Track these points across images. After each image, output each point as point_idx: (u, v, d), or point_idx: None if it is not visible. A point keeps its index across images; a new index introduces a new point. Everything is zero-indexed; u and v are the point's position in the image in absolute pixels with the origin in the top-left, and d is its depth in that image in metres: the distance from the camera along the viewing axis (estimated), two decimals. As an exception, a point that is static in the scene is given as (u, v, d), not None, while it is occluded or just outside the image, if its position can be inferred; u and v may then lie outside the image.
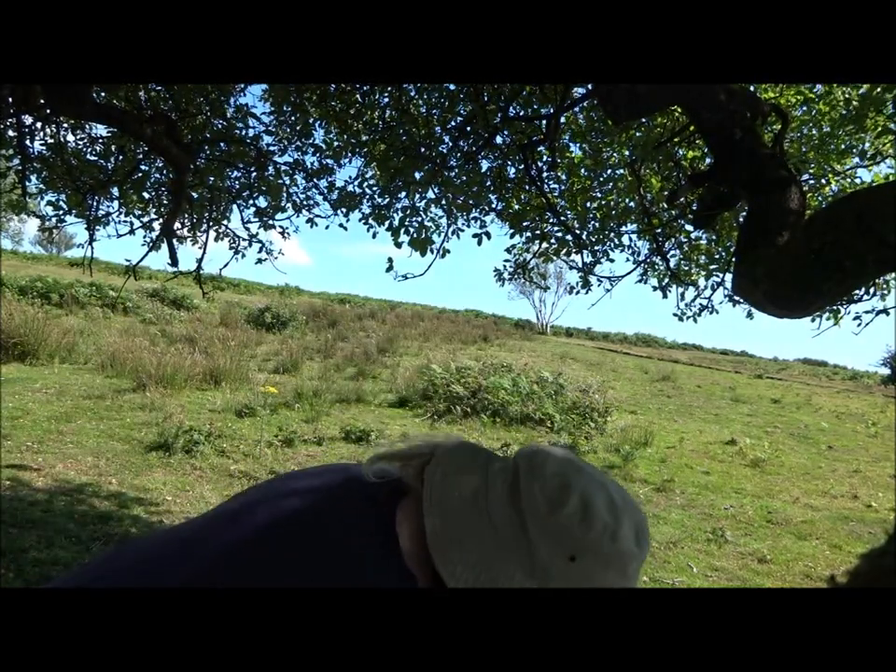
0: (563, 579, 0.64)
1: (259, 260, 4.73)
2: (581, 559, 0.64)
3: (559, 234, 4.21)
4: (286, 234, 4.65)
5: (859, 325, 3.54)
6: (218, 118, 4.19)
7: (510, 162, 4.07)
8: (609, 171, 4.15)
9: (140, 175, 4.38)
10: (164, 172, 4.44)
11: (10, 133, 3.81)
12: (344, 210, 4.15)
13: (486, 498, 0.68)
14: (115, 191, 4.54)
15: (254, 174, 4.37)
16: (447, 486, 0.70)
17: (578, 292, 4.42)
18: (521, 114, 3.72)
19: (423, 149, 3.78)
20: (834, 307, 3.64)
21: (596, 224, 4.27)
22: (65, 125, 4.14)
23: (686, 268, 4.42)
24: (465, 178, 3.81)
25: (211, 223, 4.70)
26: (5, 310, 9.11)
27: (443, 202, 4.00)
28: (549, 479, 0.68)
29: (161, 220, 4.53)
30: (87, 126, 4.23)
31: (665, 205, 3.90)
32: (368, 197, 4.09)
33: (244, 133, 4.27)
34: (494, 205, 4.17)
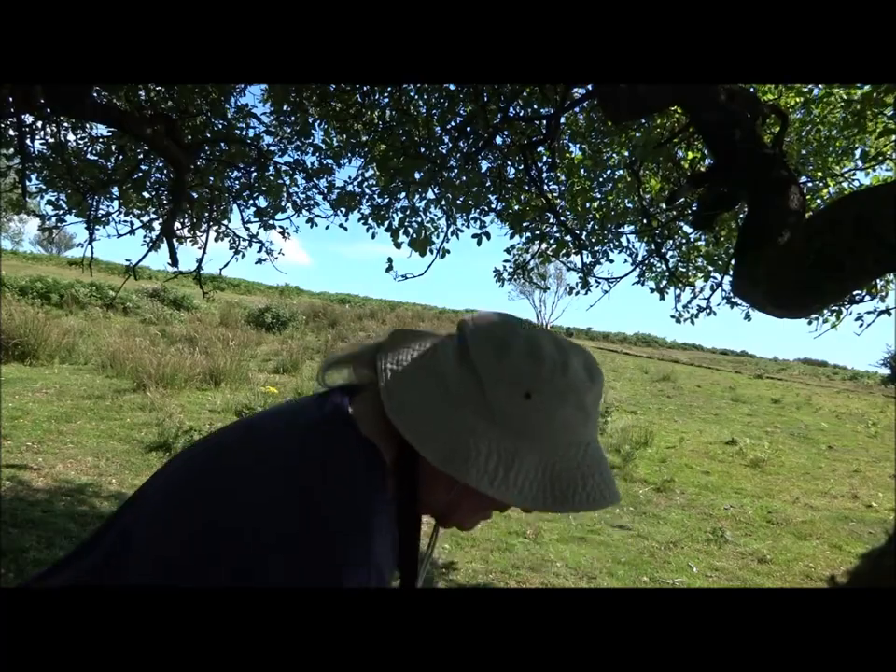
0: (522, 418, 0.65)
1: (259, 260, 4.73)
2: (536, 395, 0.66)
3: (559, 235, 4.21)
4: (286, 234, 4.65)
5: (860, 325, 3.54)
6: (219, 118, 4.19)
7: (509, 163, 4.07)
8: (608, 171, 4.15)
9: (140, 174, 4.38)
10: (164, 172, 4.44)
11: (11, 132, 3.81)
12: (344, 210, 4.15)
13: (437, 359, 0.70)
14: (115, 191, 4.54)
15: (254, 174, 4.37)
16: (398, 359, 0.71)
17: (577, 293, 4.42)
18: (521, 114, 3.72)
19: (423, 150, 3.78)
20: (835, 307, 3.65)
21: (596, 225, 4.27)
22: (65, 125, 4.14)
23: (684, 269, 4.42)
24: (465, 179, 3.81)
25: (211, 223, 4.70)
26: (5, 310, 9.11)
27: (443, 202, 4.01)
28: (494, 328, 0.71)
29: (160, 220, 4.53)
30: (87, 126, 4.23)
31: (665, 206, 3.90)
32: (367, 197, 4.09)
33: (244, 133, 4.28)
34: (493, 206, 4.17)
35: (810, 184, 3.72)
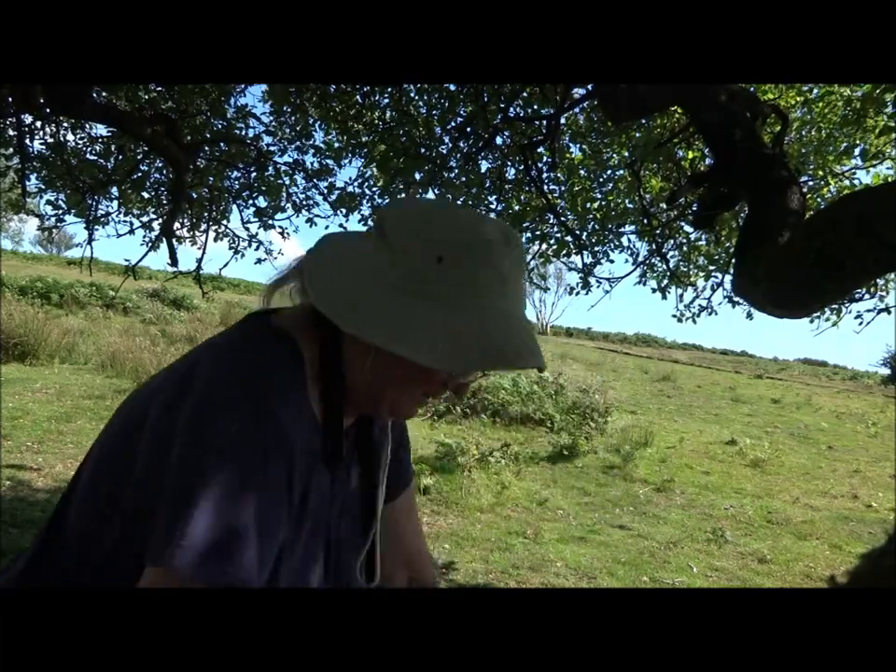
0: (441, 282, 0.66)
1: (259, 260, 4.73)
2: (449, 257, 0.66)
3: (559, 235, 4.21)
4: (285, 234, 4.65)
5: (860, 324, 3.54)
6: (218, 118, 4.19)
7: (510, 163, 4.07)
8: (608, 172, 4.15)
9: (140, 174, 4.38)
10: (164, 172, 4.44)
11: (10, 132, 3.81)
12: (344, 210, 4.15)
13: (355, 244, 0.73)
14: (114, 191, 4.55)
15: (254, 174, 4.37)
16: (323, 255, 0.74)
17: (577, 293, 4.42)
18: (521, 114, 3.72)
19: (423, 150, 3.78)
20: (835, 307, 3.65)
21: (596, 225, 4.27)
22: (65, 125, 4.14)
23: (685, 269, 4.42)
24: (465, 179, 3.81)
25: (211, 223, 4.70)
26: (5, 310, 9.11)
27: (443, 202, 4.00)
28: (406, 205, 0.76)
29: (160, 220, 4.53)
30: (87, 126, 4.23)
31: (665, 206, 3.90)
32: (368, 198, 4.09)
33: (244, 133, 4.28)
34: (494, 206, 4.17)
35: (811, 182, 3.72)
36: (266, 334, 0.71)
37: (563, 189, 4.28)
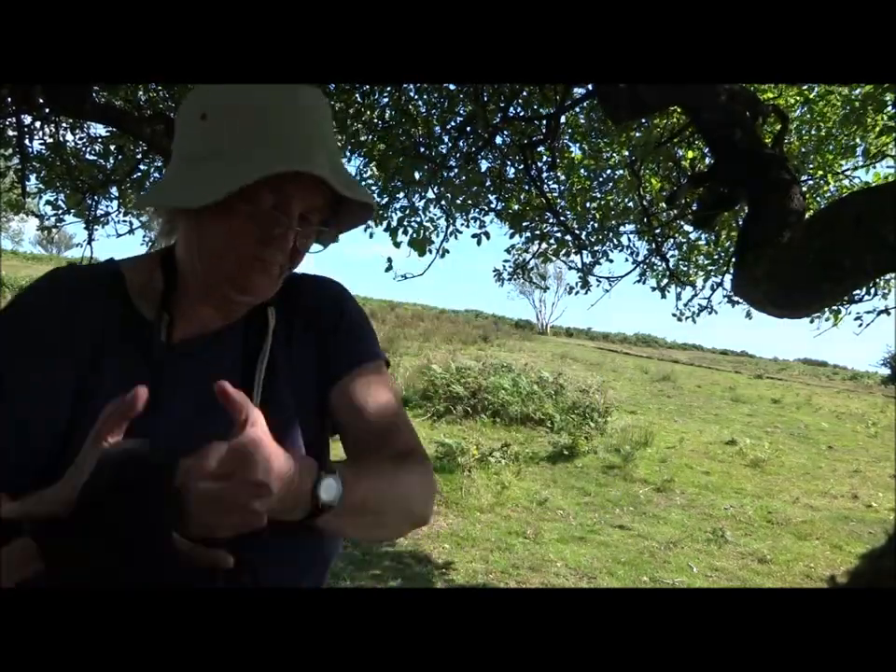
0: (201, 134, 0.71)
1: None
2: (211, 114, 0.70)
3: (559, 234, 4.22)
4: (285, 234, 4.64)
5: (860, 325, 3.54)
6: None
7: (509, 162, 4.07)
8: (608, 171, 4.15)
9: (139, 174, 4.38)
10: (163, 171, 4.43)
11: (10, 132, 3.81)
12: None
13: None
14: (114, 191, 4.54)
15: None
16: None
17: (577, 292, 4.42)
18: (521, 114, 3.72)
19: (422, 149, 3.78)
20: (835, 307, 3.65)
21: (596, 224, 4.27)
22: (65, 125, 4.14)
23: (685, 268, 4.43)
24: (464, 178, 3.81)
25: (210, 223, 4.69)
26: (4, 310, 9.09)
27: (443, 202, 4.00)
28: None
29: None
30: (86, 126, 4.23)
31: (665, 206, 3.90)
32: (368, 197, 4.08)
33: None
34: (493, 205, 4.17)
35: (811, 182, 3.73)
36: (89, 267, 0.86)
37: (563, 188, 4.28)
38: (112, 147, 4.33)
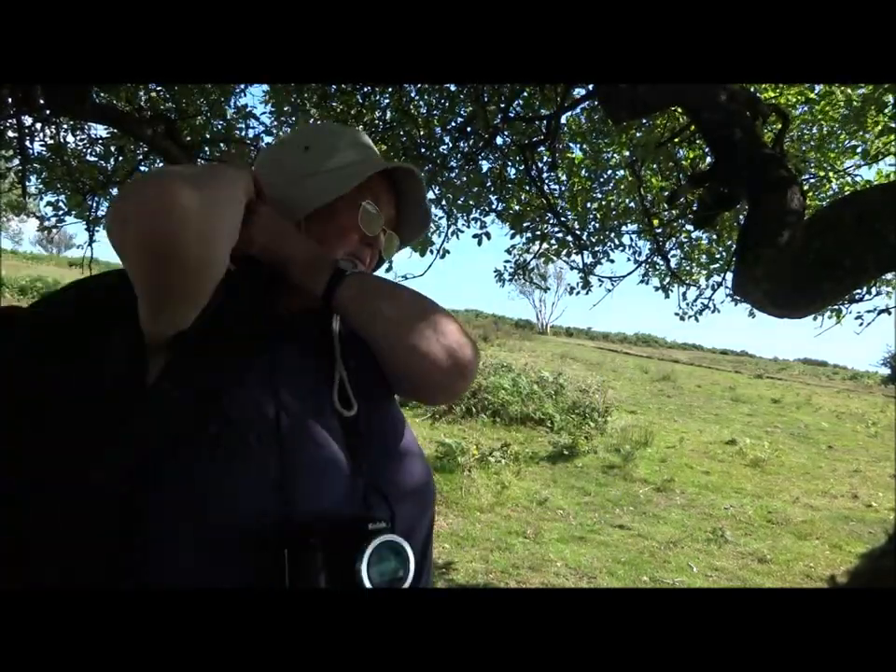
0: (305, 161, 0.80)
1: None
2: (313, 147, 0.82)
3: (559, 235, 4.22)
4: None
5: (861, 324, 3.54)
6: (219, 118, 4.19)
7: (510, 163, 4.07)
8: (609, 171, 4.15)
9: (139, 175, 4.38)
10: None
11: (10, 133, 3.81)
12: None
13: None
14: (115, 192, 4.54)
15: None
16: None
17: (578, 292, 4.42)
18: (521, 114, 3.72)
19: (423, 150, 3.78)
20: (836, 307, 3.65)
21: (597, 224, 4.27)
22: (65, 126, 4.14)
23: (687, 268, 4.43)
24: (465, 179, 3.81)
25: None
26: (5, 310, 9.09)
27: (443, 202, 4.01)
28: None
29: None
30: (87, 127, 4.23)
31: (666, 205, 3.90)
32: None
33: (244, 133, 4.27)
34: (494, 206, 4.17)
35: (812, 180, 3.73)
36: None
37: (563, 188, 4.28)
38: (113, 149, 4.34)
